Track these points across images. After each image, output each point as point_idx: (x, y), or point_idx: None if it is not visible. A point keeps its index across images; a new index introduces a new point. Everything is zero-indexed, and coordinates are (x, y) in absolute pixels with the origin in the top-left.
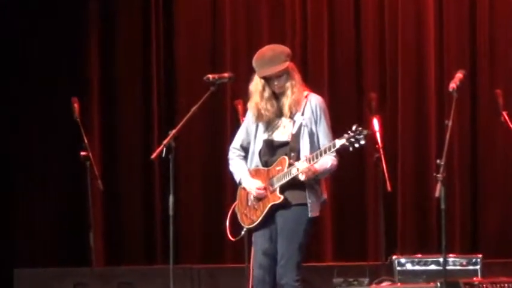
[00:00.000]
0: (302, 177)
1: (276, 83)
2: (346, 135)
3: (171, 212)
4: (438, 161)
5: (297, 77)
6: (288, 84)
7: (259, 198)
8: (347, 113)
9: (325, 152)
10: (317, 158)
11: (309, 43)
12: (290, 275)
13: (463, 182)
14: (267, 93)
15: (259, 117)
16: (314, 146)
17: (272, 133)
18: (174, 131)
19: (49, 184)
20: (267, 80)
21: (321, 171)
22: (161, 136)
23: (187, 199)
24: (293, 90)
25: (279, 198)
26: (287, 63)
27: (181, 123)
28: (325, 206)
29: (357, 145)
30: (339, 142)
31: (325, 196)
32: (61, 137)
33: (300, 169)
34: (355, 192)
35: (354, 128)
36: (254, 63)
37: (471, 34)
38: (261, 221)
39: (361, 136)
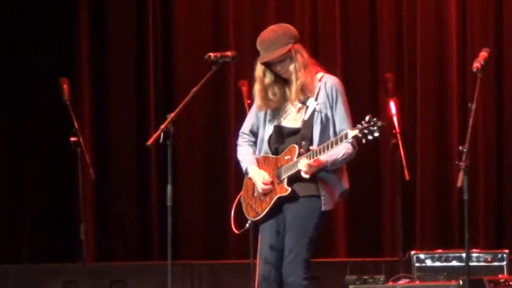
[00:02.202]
0: (304, 175)
1: (278, 68)
2: (359, 126)
3: (169, 203)
4: (461, 147)
5: (303, 59)
6: (292, 68)
7: None
8: (361, 96)
9: (335, 144)
10: (324, 151)
11: (320, 20)
12: (298, 273)
13: (487, 171)
14: (268, 79)
15: (261, 105)
16: (329, 133)
17: (283, 119)
18: (172, 115)
19: (36, 173)
20: (270, 64)
21: (330, 163)
22: (158, 120)
23: (187, 189)
24: (297, 75)
25: (286, 190)
26: (288, 46)
27: (180, 106)
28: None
29: (370, 137)
30: (351, 133)
31: (345, 186)
32: (49, 121)
33: (299, 166)
34: (370, 181)
35: (367, 118)
36: (257, 46)
37: (497, 7)
38: (266, 213)
39: (375, 128)
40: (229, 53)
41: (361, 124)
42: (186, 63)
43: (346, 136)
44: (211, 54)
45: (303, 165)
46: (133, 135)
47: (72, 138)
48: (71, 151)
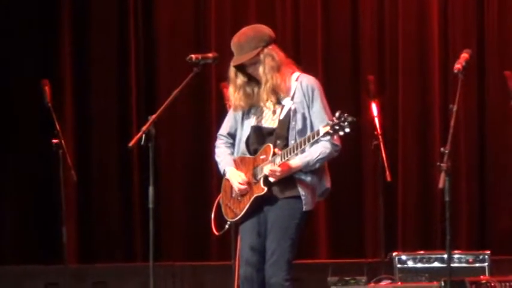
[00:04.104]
0: (271, 179)
1: (250, 71)
2: (329, 122)
3: (150, 205)
4: (442, 149)
5: (273, 62)
6: (261, 71)
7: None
8: (343, 98)
9: (307, 141)
10: (294, 150)
11: (301, 20)
12: (280, 274)
13: (469, 172)
14: (239, 80)
15: (236, 106)
16: (306, 132)
17: (261, 119)
18: (154, 116)
19: (18, 174)
20: (243, 66)
21: (303, 165)
22: (140, 122)
23: (169, 191)
24: (266, 78)
25: (263, 189)
26: (257, 50)
27: (162, 108)
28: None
29: (341, 133)
30: (323, 130)
31: (327, 185)
32: (30, 123)
33: (264, 171)
34: (351, 182)
35: (337, 114)
36: (231, 48)
37: (478, 9)
38: (244, 214)
39: (346, 123)
40: (210, 55)
41: (332, 120)
42: (168, 65)
43: (318, 133)
44: (192, 55)
45: (266, 170)
46: (115, 137)
47: (53, 141)
48: (52, 153)
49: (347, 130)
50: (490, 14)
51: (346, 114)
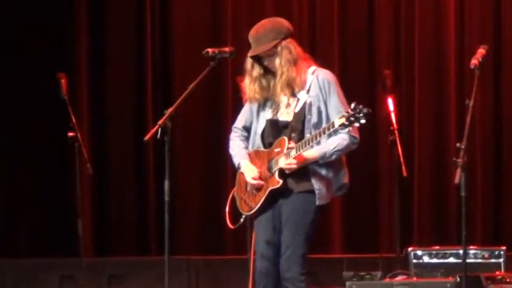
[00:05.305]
0: (287, 172)
1: (266, 63)
2: (345, 114)
3: (166, 198)
4: (458, 144)
5: (290, 55)
6: (277, 63)
7: None
8: (359, 92)
9: (323, 134)
10: (310, 143)
11: (317, 15)
12: (295, 268)
13: (485, 168)
14: (256, 72)
15: (251, 98)
16: (322, 126)
17: (276, 112)
18: (170, 110)
19: (34, 167)
20: (259, 58)
21: (320, 157)
22: (156, 116)
23: (185, 184)
24: (282, 70)
25: (278, 182)
26: (275, 42)
27: (178, 102)
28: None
29: (356, 124)
30: (338, 122)
31: (343, 180)
32: (47, 116)
33: (280, 164)
34: (367, 177)
35: (353, 105)
36: (249, 39)
37: (495, 4)
38: (260, 207)
39: (361, 115)
40: (227, 49)
41: (347, 112)
42: (184, 59)
43: (333, 125)
44: (209, 50)
45: (281, 163)
46: (131, 131)
47: (69, 134)
48: (68, 146)
49: (362, 121)
50: (506, 10)
51: (361, 106)
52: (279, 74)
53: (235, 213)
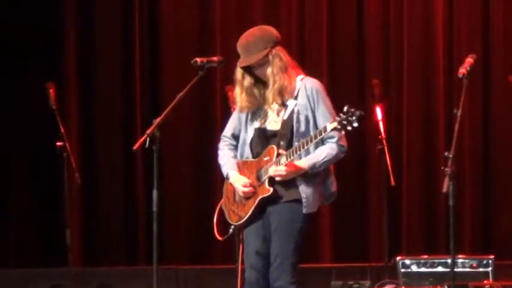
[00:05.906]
0: (277, 179)
1: (257, 72)
2: (337, 118)
3: (154, 208)
4: (446, 153)
5: (281, 63)
6: (269, 72)
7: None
8: (348, 101)
9: (314, 139)
10: (301, 149)
11: (307, 25)
12: (285, 278)
13: (474, 177)
14: (246, 82)
15: (241, 107)
16: (309, 134)
17: (264, 121)
18: (158, 119)
19: (22, 177)
20: (249, 68)
21: (310, 167)
22: (144, 125)
23: (173, 194)
24: (274, 79)
25: (268, 190)
26: (265, 51)
27: (166, 111)
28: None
29: (349, 128)
30: (330, 126)
31: (331, 189)
32: (35, 125)
33: (269, 172)
34: (356, 186)
35: (345, 109)
36: (237, 49)
37: (484, 14)
38: (249, 216)
39: (354, 118)
40: (215, 58)
41: (339, 116)
42: (173, 68)
43: (325, 129)
44: (197, 59)
45: (271, 171)
46: (119, 140)
47: (58, 143)
48: (57, 156)
49: (355, 124)
50: (495, 19)
51: (353, 109)
52: (271, 83)
53: (223, 225)
